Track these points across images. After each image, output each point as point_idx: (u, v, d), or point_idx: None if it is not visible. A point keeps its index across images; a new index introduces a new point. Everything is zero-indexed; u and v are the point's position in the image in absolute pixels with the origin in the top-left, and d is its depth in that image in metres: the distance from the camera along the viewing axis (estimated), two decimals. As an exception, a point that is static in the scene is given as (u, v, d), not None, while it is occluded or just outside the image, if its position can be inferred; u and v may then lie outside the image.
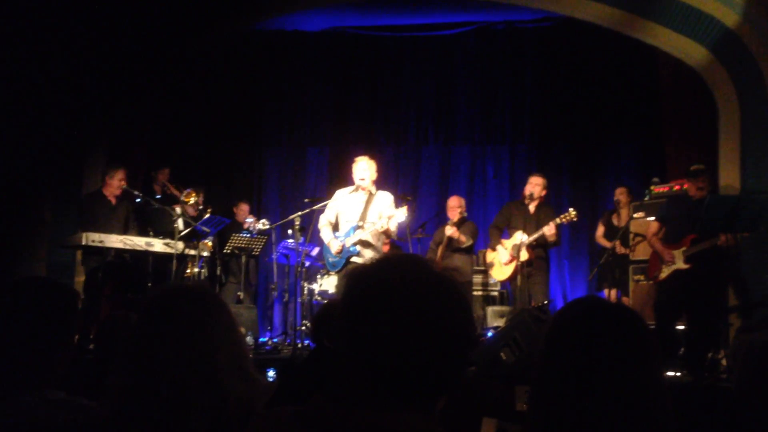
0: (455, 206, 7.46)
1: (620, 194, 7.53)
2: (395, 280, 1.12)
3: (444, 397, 1.15)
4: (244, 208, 8.63)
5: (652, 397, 1.27)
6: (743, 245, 6.43)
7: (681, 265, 5.72)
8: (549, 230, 6.50)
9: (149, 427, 1.41)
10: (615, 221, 7.59)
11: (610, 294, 7.20)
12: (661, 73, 8.25)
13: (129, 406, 1.44)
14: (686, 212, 5.80)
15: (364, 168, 6.01)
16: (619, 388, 1.26)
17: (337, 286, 6.32)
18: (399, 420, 1.07)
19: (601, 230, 7.75)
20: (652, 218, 6.47)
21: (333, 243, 6.00)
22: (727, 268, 5.88)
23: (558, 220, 6.52)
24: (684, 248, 5.72)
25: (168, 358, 1.43)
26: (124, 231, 6.86)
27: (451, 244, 7.34)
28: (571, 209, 6.56)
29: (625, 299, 7.07)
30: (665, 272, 5.80)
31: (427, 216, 8.91)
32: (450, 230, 7.25)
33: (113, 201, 6.92)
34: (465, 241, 7.29)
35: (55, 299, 1.79)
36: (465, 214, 7.54)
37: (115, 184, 6.86)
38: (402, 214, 5.81)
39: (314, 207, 6.34)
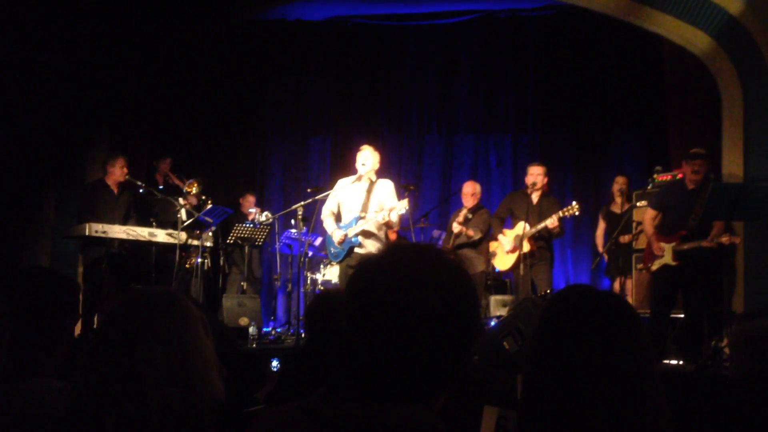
0: (469, 192, 7.40)
1: (623, 183, 7.48)
2: (401, 271, 1.09)
3: (446, 391, 1.14)
4: (250, 199, 8.64)
5: (643, 383, 1.29)
6: (746, 237, 6.40)
7: (670, 261, 5.69)
8: (552, 223, 6.47)
9: (81, 412, 1.48)
10: (615, 210, 7.55)
11: (614, 283, 7.20)
12: (664, 61, 8.20)
13: (79, 391, 1.51)
14: (681, 202, 5.77)
15: (367, 156, 6.04)
16: (610, 374, 1.27)
17: (340, 276, 6.32)
18: (399, 413, 1.06)
19: (601, 228, 7.74)
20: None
21: (336, 233, 6.00)
22: (716, 268, 5.78)
23: (561, 214, 6.47)
24: (674, 243, 5.69)
25: (103, 356, 1.50)
26: (125, 220, 6.87)
27: (458, 239, 7.30)
28: (574, 202, 6.48)
29: (629, 284, 7.05)
30: (656, 265, 5.79)
31: (430, 205, 8.90)
32: (457, 228, 7.22)
33: (115, 190, 6.93)
34: (473, 235, 7.24)
35: (56, 289, 1.80)
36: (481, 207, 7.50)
37: (117, 173, 6.86)
38: (403, 207, 5.80)
39: (317, 197, 6.34)
